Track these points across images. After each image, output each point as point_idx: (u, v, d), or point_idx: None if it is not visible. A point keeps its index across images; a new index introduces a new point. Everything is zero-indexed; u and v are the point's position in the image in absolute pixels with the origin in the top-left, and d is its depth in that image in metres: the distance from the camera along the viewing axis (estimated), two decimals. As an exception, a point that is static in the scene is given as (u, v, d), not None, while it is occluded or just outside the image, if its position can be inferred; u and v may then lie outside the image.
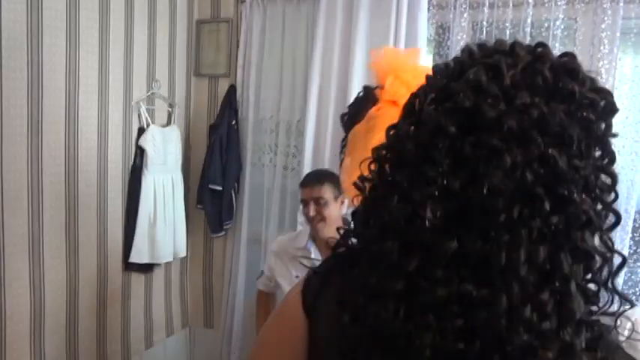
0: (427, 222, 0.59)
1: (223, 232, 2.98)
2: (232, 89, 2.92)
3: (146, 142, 2.61)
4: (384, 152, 0.67)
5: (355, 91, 2.51)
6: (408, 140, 0.64)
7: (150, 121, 2.67)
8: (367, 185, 0.69)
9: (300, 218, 2.67)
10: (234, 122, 2.90)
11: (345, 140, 1.54)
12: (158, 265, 2.82)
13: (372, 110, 1.43)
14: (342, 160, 1.54)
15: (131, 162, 2.61)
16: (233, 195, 2.93)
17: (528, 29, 2.27)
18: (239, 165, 2.93)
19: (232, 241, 3.00)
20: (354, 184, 0.70)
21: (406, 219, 0.61)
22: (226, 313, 3.02)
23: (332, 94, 2.61)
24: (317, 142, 2.68)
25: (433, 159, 0.60)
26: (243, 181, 2.93)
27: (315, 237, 2.12)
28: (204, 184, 2.90)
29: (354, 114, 1.54)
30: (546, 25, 2.28)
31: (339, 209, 2.05)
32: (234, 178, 2.91)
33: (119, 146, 2.54)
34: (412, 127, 0.65)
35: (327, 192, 2.02)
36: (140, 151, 2.63)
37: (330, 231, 2.02)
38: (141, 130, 2.64)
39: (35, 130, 2.10)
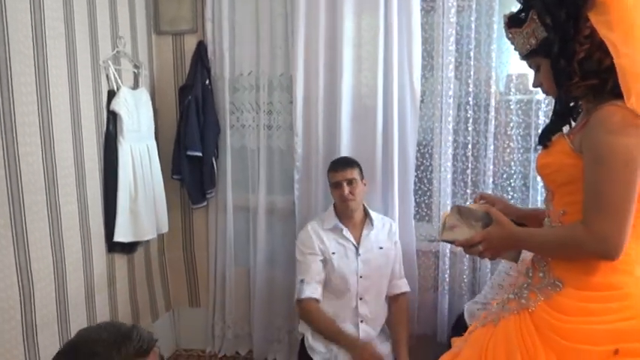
0: None
1: (205, 202, 2.76)
2: (202, 46, 2.67)
3: (119, 105, 2.31)
4: None
5: (347, 39, 2.42)
6: None
7: (120, 83, 2.36)
8: None
9: (297, 176, 2.57)
10: (207, 82, 2.67)
11: None
12: (140, 244, 2.55)
13: None
14: None
15: (104, 129, 2.31)
16: (214, 161, 2.71)
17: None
18: (217, 128, 2.70)
19: (215, 210, 2.79)
20: None
21: None
22: (215, 288, 2.83)
23: (320, 45, 2.48)
24: (307, 96, 2.54)
25: None
26: (223, 145, 2.72)
27: (341, 216, 2.28)
28: (181, 152, 2.65)
29: None
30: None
31: (364, 189, 2.30)
32: (213, 142, 2.69)
33: (91, 111, 2.22)
34: None
35: (355, 174, 2.25)
36: (112, 117, 2.32)
37: (359, 208, 2.29)
38: (111, 94, 2.33)
39: (7, 106, 1.75)
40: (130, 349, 1.07)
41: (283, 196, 2.69)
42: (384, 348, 2.20)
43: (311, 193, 2.61)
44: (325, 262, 2.21)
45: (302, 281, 2.20)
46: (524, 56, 1.27)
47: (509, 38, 1.30)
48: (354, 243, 2.24)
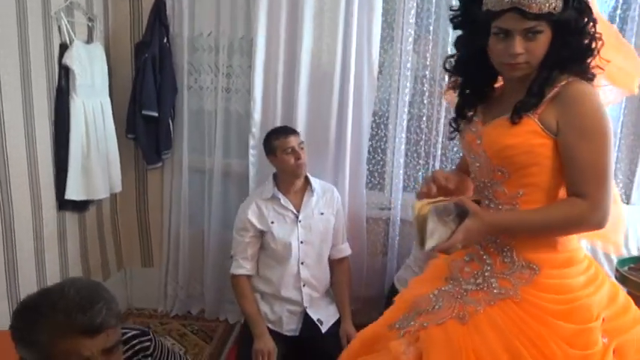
0: None
1: (160, 163, 2.74)
2: (160, 2, 2.59)
3: (72, 59, 2.24)
4: None
5: (309, 6, 2.41)
6: None
7: (73, 36, 2.28)
8: None
9: (252, 142, 2.58)
10: (165, 40, 2.60)
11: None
12: (92, 202, 2.52)
13: None
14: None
15: (55, 84, 2.23)
16: (170, 121, 2.68)
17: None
18: (174, 88, 2.66)
19: (171, 171, 2.77)
20: None
21: None
22: (169, 249, 2.85)
23: (282, 10, 2.46)
24: (267, 62, 2.53)
25: None
26: (180, 106, 2.69)
27: (284, 183, 2.29)
28: (136, 111, 2.60)
29: None
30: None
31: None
32: (170, 102, 2.65)
33: (42, 65, 2.14)
34: None
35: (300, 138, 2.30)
36: (65, 72, 2.25)
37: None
38: (63, 47, 2.25)
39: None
40: (76, 325, 1.03)
41: (239, 159, 2.70)
42: (330, 310, 2.29)
43: (265, 159, 2.63)
44: (265, 232, 2.25)
45: (232, 257, 2.30)
46: (537, 15, 1.15)
47: None
48: (294, 210, 2.27)
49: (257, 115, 2.57)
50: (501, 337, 1.17)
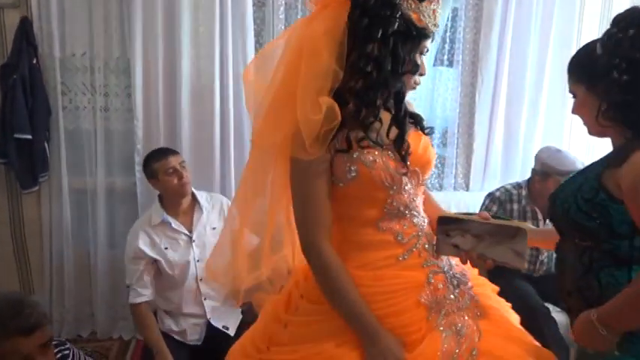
0: None
1: (37, 187, 2.67)
2: (26, 22, 2.53)
3: None
4: None
5: (185, 28, 2.55)
6: None
7: None
8: None
9: (138, 158, 2.64)
10: (35, 61, 2.56)
11: None
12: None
13: None
14: None
15: None
16: (45, 143, 2.62)
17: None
18: (48, 109, 2.62)
19: (48, 194, 2.71)
20: None
21: None
22: (51, 274, 2.77)
23: (159, 30, 2.57)
24: (147, 81, 2.61)
25: None
26: (55, 127, 2.64)
27: (171, 205, 2.28)
28: (7, 134, 2.52)
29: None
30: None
31: None
32: (43, 124, 2.60)
33: None
34: None
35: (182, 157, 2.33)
36: None
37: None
38: None
39: None
40: (12, 328, 1.16)
41: (125, 177, 2.74)
42: (235, 313, 2.33)
43: None
44: (159, 260, 2.22)
45: (128, 287, 2.26)
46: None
47: None
48: (186, 232, 2.27)
49: (140, 132, 2.63)
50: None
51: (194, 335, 2.31)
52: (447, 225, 1.25)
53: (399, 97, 1.25)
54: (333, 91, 1.14)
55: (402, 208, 1.23)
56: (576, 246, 1.22)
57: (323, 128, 1.11)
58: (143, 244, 2.21)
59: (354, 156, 1.18)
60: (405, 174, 1.22)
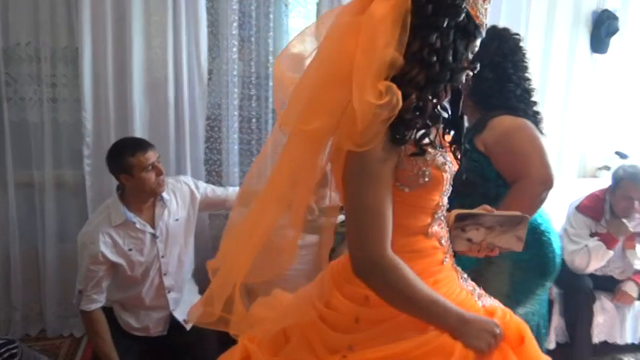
0: None
1: (-20, 181, 2.56)
2: (-34, 9, 2.43)
3: None
4: None
5: (136, 17, 2.50)
6: None
7: None
8: None
9: (87, 151, 2.57)
10: (-24, 50, 2.46)
11: None
12: None
13: None
14: None
15: None
16: (-11, 136, 2.53)
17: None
18: (-9, 101, 2.52)
19: (-7, 189, 2.61)
20: None
21: None
22: (-2, 271, 2.67)
23: (108, 18, 2.51)
24: (96, 71, 2.54)
25: None
26: (-1, 120, 2.55)
27: (135, 202, 2.13)
28: (-54, 126, 2.41)
29: None
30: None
31: None
32: (-14, 116, 2.50)
33: None
34: None
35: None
36: None
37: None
38: None
39: None
40: None
41: (73, 170, 2.66)
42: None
43: (103, 168, 2.59)
44: (121, 263, 2.09)
45: (80, 292, 2.09)
46: None
47: None
48: (150, 230, 2.14)
49: (89, 124, 2.56)
50: None
51: (158, 328, 2.26)
52: (463, 221, 1.26)
53: (459, 95, 1.17)
54: (389, 79, 1.01)
55: (443, 211, 1.18)
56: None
57: (382, 116, 0.97)
58: (104, 247, 2.03)
59: (428, 158, 1.07)
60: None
